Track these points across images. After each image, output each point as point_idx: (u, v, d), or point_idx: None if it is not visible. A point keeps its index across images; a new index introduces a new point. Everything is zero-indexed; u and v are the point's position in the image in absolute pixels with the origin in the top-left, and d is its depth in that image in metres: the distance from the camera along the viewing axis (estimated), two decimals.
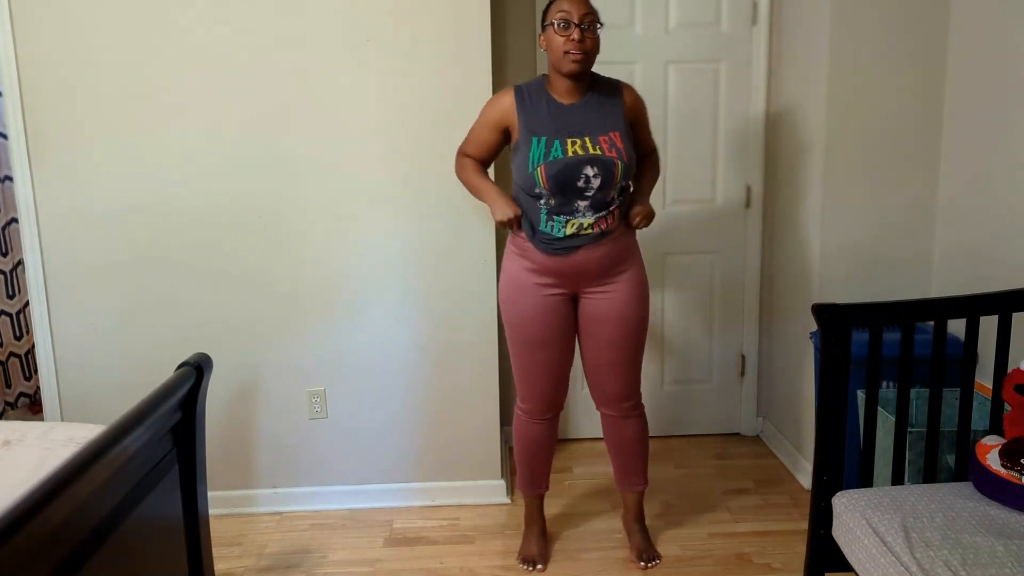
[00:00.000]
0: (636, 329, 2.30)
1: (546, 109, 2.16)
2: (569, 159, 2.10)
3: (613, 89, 2.22)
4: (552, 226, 2.16)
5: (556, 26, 2.08)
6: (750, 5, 3.08)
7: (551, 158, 2.11)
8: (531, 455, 2.45)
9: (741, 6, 3.08)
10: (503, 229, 2.26)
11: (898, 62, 2.61)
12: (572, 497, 2.88)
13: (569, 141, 2.12)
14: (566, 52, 2.08)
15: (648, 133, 2.35)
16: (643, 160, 2.34)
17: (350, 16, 2.56)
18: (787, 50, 2.98)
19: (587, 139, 2.12)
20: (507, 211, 2.16)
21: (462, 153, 2.36)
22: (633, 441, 2.44)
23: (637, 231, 2.30)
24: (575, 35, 2.06)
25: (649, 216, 2.24)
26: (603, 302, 2.26)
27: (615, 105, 2.19)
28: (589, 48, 2.09)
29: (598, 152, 2.12)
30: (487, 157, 2.33)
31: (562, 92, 2.17)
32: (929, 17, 2.58)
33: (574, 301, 2.30)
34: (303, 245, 2.68)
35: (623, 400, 2.38)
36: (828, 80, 2.63)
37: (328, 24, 2.56)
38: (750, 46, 3.11)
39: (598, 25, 2.11)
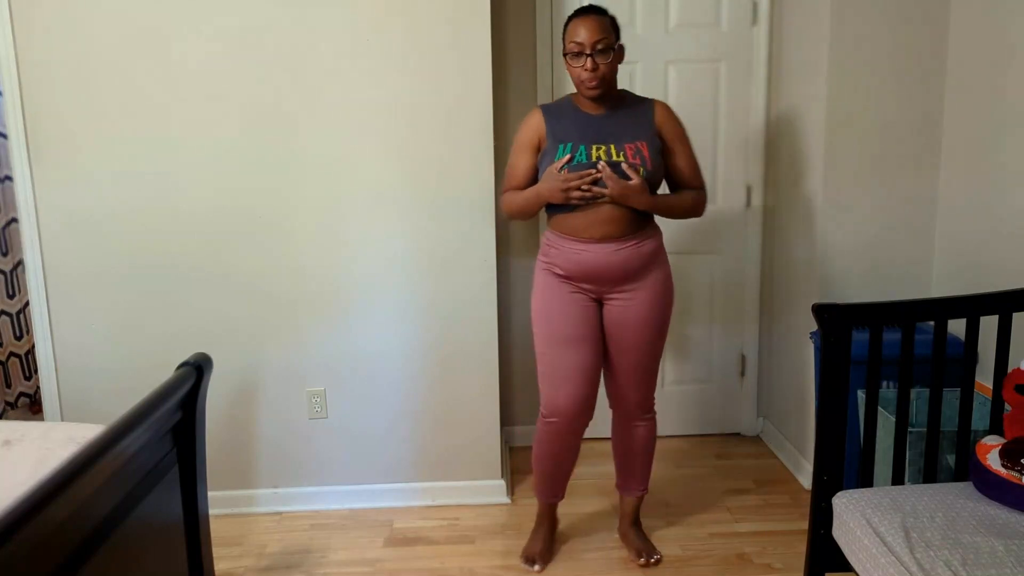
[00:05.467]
0: (654, 335, 2.30)
1: (572, 119, 2.21)
2: (585, 164, 2.13)
3: (644, 104, 2.25)
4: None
5: (570, 56, 2.12)
6: (750, 5, 3.08)
7: (575, 162, 2.14)
8: (551, 467, 2.42)
9: (741, 6, 3.08)
10: (573, 197, 2.14)
11: (898, 62, 2.61)
12: (573, 497, 2.86)
13: (594, 147, 2.15)
14: (582, 81, 2.12)
15: (687, 160, 2.27)
16: (679, 188, 2.30)
17: (351, 17, 2.56)
18: (787, 50, 2.98)
19: (612, 146, 2.15)
20: (555, 182, 2.13)
21: (505, 191, 2.36)
22: (641, 446, 2.45)
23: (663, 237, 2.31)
24: (588, 65, 2.09)
25: (620, 188, 2.10)
26: (624, 307, 2.26)
27: (644, 117, 2.21)
28: (603, 74, 2.11)
29: (621, 159, 2.13)
30: (530, 184, 2.29)
31: (589, 106, 2.21)
32: (929, 18, 2.58)
33: (601, 306, 2.29)
34: (304, 246, 2.68)
35: (637, 405, 2.39)
36: (828, 80, 2.63)
37: (328, 25, 2.56)
38: (750, 46, 3.11)
39: (613, 47, 2.11)
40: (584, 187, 2.12)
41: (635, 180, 2.11)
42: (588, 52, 2.09)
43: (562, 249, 2.23)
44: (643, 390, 2.38)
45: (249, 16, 2.54)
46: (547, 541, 2.51)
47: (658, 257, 2.27)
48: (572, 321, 2.25)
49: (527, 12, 3.04)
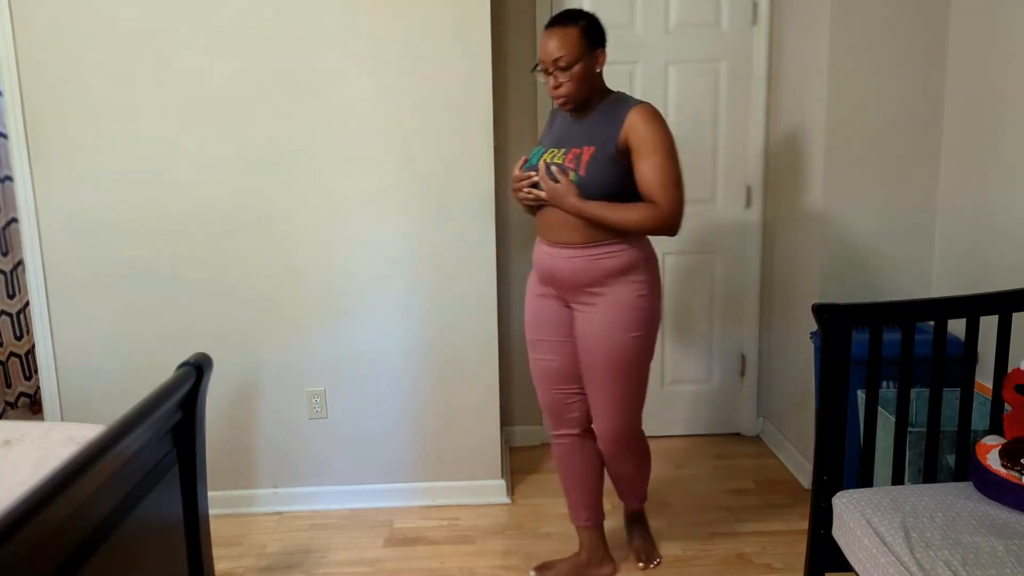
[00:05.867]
0: (617, 358, 2.09)
1: (558, 123, 2.22)
2: (533, 166, 2.14)
3: (623, 108, 2.05)
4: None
5: (540, 72, 2.09)
6: (750, 5, 3.08)
7: (527, 164, 2.17)
8: (561, 479, 2.36)
9: (741, 6, 3.08)
10: (519, 198, 2.18)
11: (898, 62, 2.61)
12: None
13: (550, 152, 2.14)
14: (553, 97, 2.10)
15: (649, 170, 2.00)
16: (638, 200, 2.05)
17: (351, 17, 2.56)
18: (787, 50, 2.98)
19: (562, 150, 2.11)
20: (515, 189, 2.17)
21: None
22: (622, 474, 2.36)
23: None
24: (551, 82, 2.06)
25: (549, 190, 2.05)
26: (586, 318, 2.13)
27: (612, 123, 2.05)
28: (566, 92, 2.03)
29: (559, 162, 2.09)
30: None
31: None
32: (929, 18, 2.58)
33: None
34: (304, 246, 2.68)
35: (610, 436, 2.21)
36: (828, 80, 2.63)
37: (328, 25, 2.56)
38: (750, 46, 3.11)
39: (575, 63, 2.00)
40: (526, 189, 2.13)
41: (560, 183, 2.04)
42: (549, 70, 2.04)
43: (535, 249, 2.24)
44: (613, 422, 2.17)
45: (248, 17, 2.54)
46: (572, 566, 2.35)
47: (625, 274, 2.07)
48: (534, 320, 2.26)
49: (527, 13, 3.04)
